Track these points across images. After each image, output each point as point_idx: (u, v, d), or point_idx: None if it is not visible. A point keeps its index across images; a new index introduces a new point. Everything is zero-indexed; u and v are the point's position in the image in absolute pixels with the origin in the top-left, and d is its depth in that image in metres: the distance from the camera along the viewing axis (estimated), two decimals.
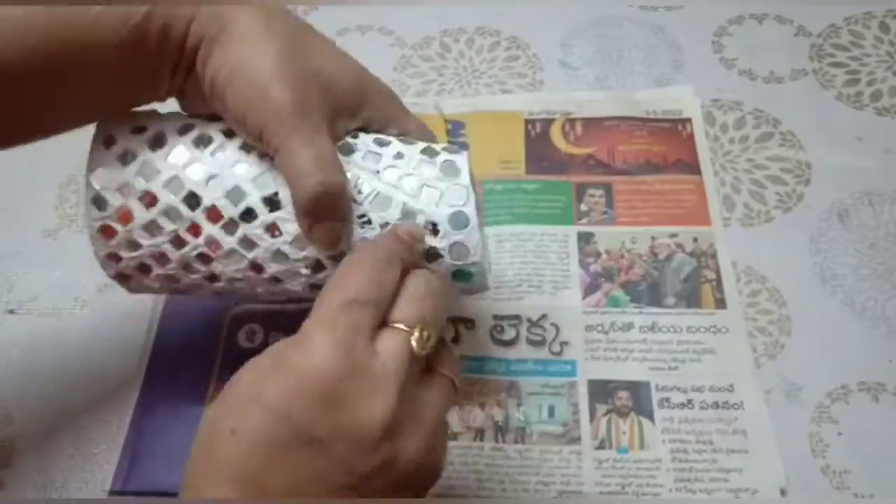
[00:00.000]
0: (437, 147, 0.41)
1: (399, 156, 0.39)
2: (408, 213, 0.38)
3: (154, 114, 0.42)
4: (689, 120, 0.61)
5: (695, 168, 0.58)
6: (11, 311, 0.54)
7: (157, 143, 0.40)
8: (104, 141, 0.40)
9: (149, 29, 0.36)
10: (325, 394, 0.30)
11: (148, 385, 0.50)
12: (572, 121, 0.61)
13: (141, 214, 0.39)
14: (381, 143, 0.40)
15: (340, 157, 0.38)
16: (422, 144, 0.41)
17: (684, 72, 0.64)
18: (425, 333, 0.32)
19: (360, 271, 0.32)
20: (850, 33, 0.66)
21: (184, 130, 0.40)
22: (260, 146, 0.37)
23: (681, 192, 0.57)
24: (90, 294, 0.55)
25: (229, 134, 0.39)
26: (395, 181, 0.38)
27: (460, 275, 0.40)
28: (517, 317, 0.52)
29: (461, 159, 0.39)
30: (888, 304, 0.51)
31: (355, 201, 0.38)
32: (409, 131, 0.42)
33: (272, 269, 0.39)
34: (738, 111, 0.62)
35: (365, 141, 0.40)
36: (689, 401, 0.48)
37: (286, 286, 0.40)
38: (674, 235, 0.55)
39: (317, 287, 0.38)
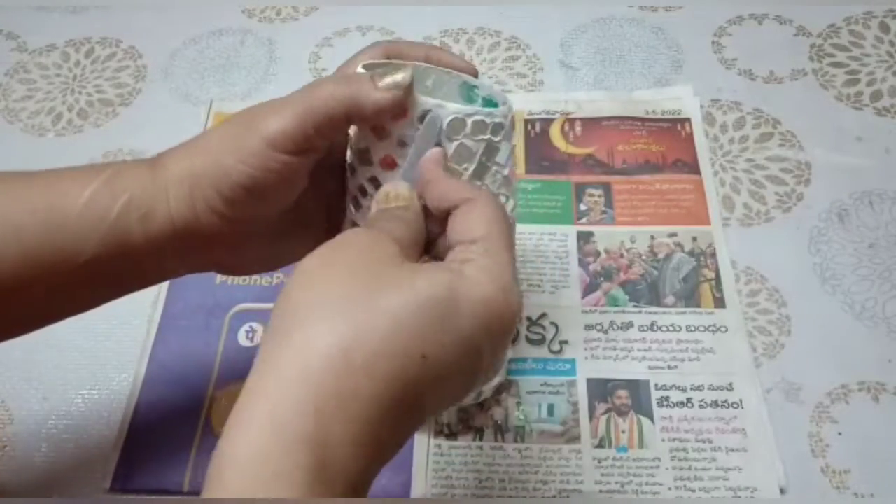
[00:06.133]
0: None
1: None
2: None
3: None
4: (688, 120, 0.61)
5: (694, 168, 0.58)
6: None
7: None
8: None
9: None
10: (506, 329, 0.30)
11: (148, 385, 0.50)
12: (572, 121, 0.61)
13: None
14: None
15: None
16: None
17: (684, 72, 0.64)
18: None
19: (509, 224, 0.33)
20: (850, 33, 0.66)
21: None
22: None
23: (680, 192, 0.57)
24: None
25: None
26: None
27: None
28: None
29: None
30: (888, 304, 0.51)
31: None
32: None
33: None
34: (738, 111, 0.62)
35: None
36: (689, 400, 0.48)
37: None
38: (673, 235, 0.55)
39: None
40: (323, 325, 0.27)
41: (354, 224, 0.38)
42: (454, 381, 0.29)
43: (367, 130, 0.36)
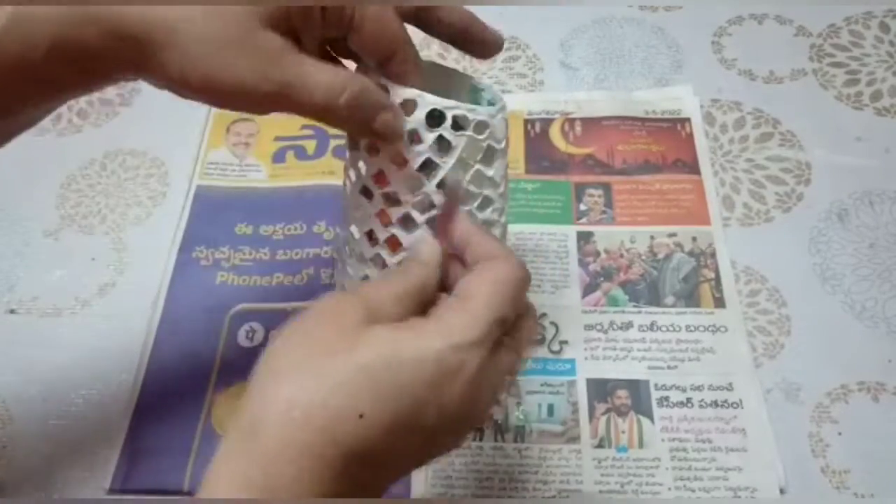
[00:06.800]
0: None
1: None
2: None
3: None
4: (688, 120, 0.61)
5: (694, 168, 0.58)
6: (12, 311, 0.54)
7: None
8: None
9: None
10: (467, 397, 0.31)
11: (148, 385, 0.50)
12: (572, 121, 0.61)
13: None
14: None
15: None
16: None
17: (684, 72, 0.64)
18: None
19: (517, 291, 0.33)
20: (850, 33, 0.66)
21: None
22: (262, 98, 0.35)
23: (680, 192, 0.57)
24: (90, 294, 0.55)
25: None
26: None
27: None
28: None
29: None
30: (888, 304, 0.51)
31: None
32: None
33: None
34: (738, 111, 0.62)
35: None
36: (689, 399, 0.48)
37: None
38: (673, 235, 0.55)
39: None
40: (276, 387, 0.30)
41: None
42: (405, 438, 0.30)
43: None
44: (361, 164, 0.38)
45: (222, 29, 0.32)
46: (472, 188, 0.38)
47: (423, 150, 0.36)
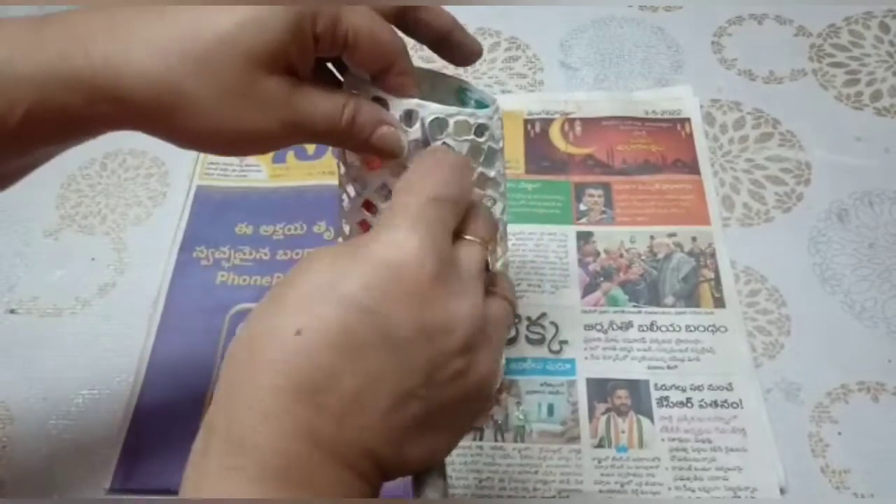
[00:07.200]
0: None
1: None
2: None
3: None
4: (688, 120, 0.61)
5: (694, 168, 0.58)
6: (12, 311, 0.54)
7: None
8: None
9: None
10: (414, 290, 0.27)
11: (148, 385, 0.50)
12: (571, 121, 0.61)
13: None
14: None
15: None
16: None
17: (684, 72, 0.64)
18: (496, 251, 0.32)
19: (440, 171, 0.31)
20: (850, 33, 0.66)
21: None
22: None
23: (680, 192, 0.57)
24: (90, 294, 0.55)
25: None
26: None
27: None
28: (516, 315, 0.52)
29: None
30: (888, 304, 0.51)
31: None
32: None
33: None
34: (738, 111, 0.62)
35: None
36: (688, 399, 0.48)
37: None
38: (672, 235, 0.55)
39: None
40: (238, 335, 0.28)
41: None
42: (368, 356, 0.27)
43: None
44: (363, 179, 0.38)
45: (226, 82, 0.31)
46: (476, 191, 0.38)
47: None
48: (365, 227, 0.39)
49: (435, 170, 0.31)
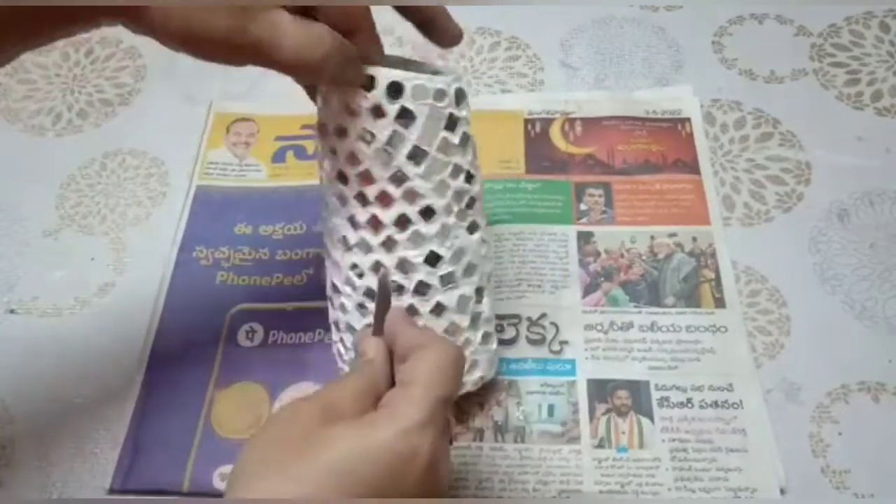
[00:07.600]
0: None
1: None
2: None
3: None
4: (688, 119, 0.61)
5: (694, 168, 0.58)
6: (12, 311, 0.54)
7: None
8: None
9: None
10: (428, 479, 0.32)
11: (148, 385, 0.50)
12: (572, 120, 0.61)
13: None
14: None
15: None
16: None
17: (684, 72, 0.64)
18: None
19: (454, 370, 0.35)
20: (851, 33, 0.66)
21: None
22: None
23: (680, 192, 0.57)
24: (90, 294, 0.55)
25: None
26: None
27: None
28: (517, 316, 0.52)
29: None
30: (888, 304, 0.51)
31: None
32: None
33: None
34: (738, 111, 0.62)
35: None
36: (689, 400, 0.48)
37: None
38: (673, 235, 0.55)
39: None
40: (247, 491, 0.31)
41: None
42: None
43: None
44: (335, 149, 0.40)
45: None
46: (440, 156, 0.39)
47: (387, 124, 0.38)
48: (340, 199, 0.41)
49: (450, 370, 0.35)
